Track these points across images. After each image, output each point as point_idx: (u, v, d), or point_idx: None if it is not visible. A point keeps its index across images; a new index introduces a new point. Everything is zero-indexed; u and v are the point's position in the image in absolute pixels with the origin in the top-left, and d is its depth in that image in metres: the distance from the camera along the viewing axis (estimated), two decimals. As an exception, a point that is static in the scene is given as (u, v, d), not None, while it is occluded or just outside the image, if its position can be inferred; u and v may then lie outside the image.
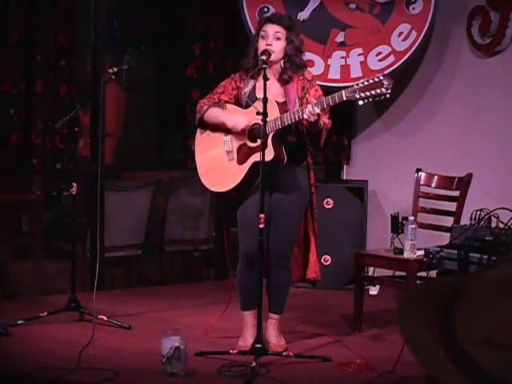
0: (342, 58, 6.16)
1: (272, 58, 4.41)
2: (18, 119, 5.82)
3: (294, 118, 4.30)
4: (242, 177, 4.47)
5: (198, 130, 4.68)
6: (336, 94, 4.23)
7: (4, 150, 5.80)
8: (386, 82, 4.18)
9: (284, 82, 4.51)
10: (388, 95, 4.22)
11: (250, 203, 4.47)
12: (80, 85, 6.09)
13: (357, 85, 4.21)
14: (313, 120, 4.22)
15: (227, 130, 4.54)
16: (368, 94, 4.18)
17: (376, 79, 4.19)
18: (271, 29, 4.49)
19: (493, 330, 1.09)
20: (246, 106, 4.51)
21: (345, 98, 4.21)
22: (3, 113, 5.78)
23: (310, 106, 4.21)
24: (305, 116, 4.22)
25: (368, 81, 4.20)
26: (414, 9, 6.09)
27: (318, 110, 4.20)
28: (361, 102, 4.24)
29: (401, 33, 6.10)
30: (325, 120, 4.36)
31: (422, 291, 1.23)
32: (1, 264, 5.99)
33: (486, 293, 1.12)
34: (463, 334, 1.10)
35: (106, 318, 4.96)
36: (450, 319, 1.12)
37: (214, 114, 4.56)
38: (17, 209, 6.23)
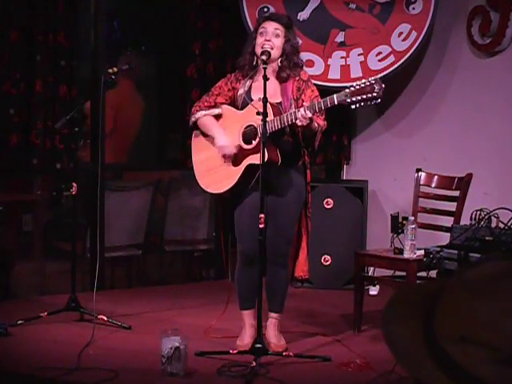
0: (341, 58, 6.16)
1: (271, 55, 4.40)
2: (18, 119, 5.83)
3: (287, 121, 4.29)
4: (237, 179, 4.47)
5: (194, 130, 4.69)
6: (328, 98, 4.22)
7: (4, 150, 5.80)
8: (376, 87, 4.17)
9: (282, 79, 4.50)
10: (379, 100, 4.21)
11: (246, 204, 4.47)
12: (80, 85, 6.09)
13: (348, 89, 4.21)
14: (305, 124, 4.21)
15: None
16: (359, 98, 4.18)
17: (367, 83, 4.18)
18: (270, 26, 4.49)
19: (467, 327, 1.11)
20: (242, 107, 4.50)
21: (336, 102, 4.21)
22: (3, 113, 5.79)
23: (302, 110, 4.20)
24: (297, 121, 4.22)
25: (359, 85, 4.19)
26: (413, 9, 6.09)
27: (309, 114, 4.19)
28: (353, 106, 4.24)
29: (401, 33, 6.10)
30: (320, 122, 4.36)
31: (410, 291, 1.24)
32: (1, 264, 5.98)
33: (465, 291, 1.15)
34: (441, 332, 1.12)
35: (106, 318, 4.96)
36: (432, 318, 1.14)
37: (206, 125, 4.57)
38: (17, 209, 6.23)
